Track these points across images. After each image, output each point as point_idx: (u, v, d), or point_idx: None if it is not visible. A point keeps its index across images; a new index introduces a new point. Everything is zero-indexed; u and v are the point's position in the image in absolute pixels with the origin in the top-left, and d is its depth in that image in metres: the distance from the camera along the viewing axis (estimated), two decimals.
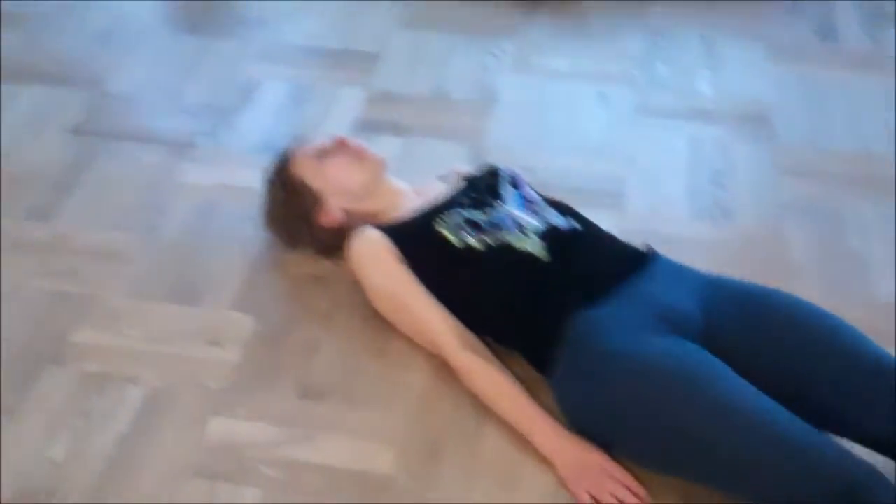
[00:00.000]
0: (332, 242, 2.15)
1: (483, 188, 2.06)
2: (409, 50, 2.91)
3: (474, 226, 1.95)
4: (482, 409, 1.85)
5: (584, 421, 1.78)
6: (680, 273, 1.92)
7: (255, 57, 2.89)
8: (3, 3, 3.12)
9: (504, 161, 2.23)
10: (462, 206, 2.00)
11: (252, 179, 2.30)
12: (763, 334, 1.78)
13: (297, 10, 3.10)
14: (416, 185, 2.20)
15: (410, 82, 2.77)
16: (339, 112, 2.67)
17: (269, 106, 2.70)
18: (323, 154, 2.14)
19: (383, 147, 2.39)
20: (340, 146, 2.14)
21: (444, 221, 1.96)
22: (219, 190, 2.40)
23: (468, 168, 2.23)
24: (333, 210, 2.12)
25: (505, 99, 2.71)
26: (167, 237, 2.28)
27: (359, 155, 2.14)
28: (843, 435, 1.69)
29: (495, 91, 2.74)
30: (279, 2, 3.13)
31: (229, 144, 2.55)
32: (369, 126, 2.60)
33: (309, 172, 2.13)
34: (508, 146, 2.53)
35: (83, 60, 2.88)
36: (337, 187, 2.12)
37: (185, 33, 3.00)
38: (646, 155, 2.51)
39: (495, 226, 1.94)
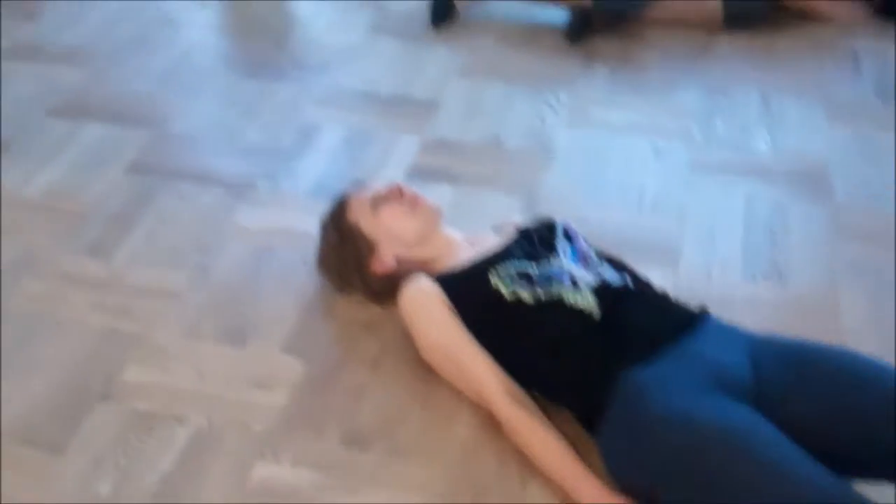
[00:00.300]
0: (384, 289, 2.16)
1: (538, 241, 2.05)
2: (466, 98, 2.93)
3: (527, 278, 1.94)
4: (527, 464, 1.84)
5: (630, 481, 1.75)
6: (731, 333, 1.90)
7: (314, 101, 2.92)
8: (71, 41, 3.20)
9: (558, 213, 2.23)
10: (516, 258, 2.00)
11: (307, 223, 2.32)
12: (814, 390, 1.75)
13: (356, 55, 3.14)
14: (469, 235, 2.21)
15: (466, 130, 2.79)
16: (395, 158, 2.68)
17: (326, 150, 2.72)
18: (379, 201, 2.15)
19: (437, 195, 2.40)
20: (396, 194, 2.16)
21: (497, 273, 1.96)
22: (274, 232, 2.42)
23: (523, 220, 2.23)
24: (386, 257, 2.13)
25: (560, 150, 2.71)
26: (220, 277, 2.31)
27: (414, 203, 2.15)
28: None
29: (551, 142, 2.74)
30: (339, 47, 3.17)
31: (286, 187, 2.58)
32: (424, 173, 2.61)
33: (364, 218, 2.14)
34: (563, 198, 2.53)
35: (146, 99, 2.94)
36: (391, 234, 2.13)
37: (247, 76, 3.05)
38: (701, 212, 2.50)
39: (548, 279, 1.94)
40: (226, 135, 2.79)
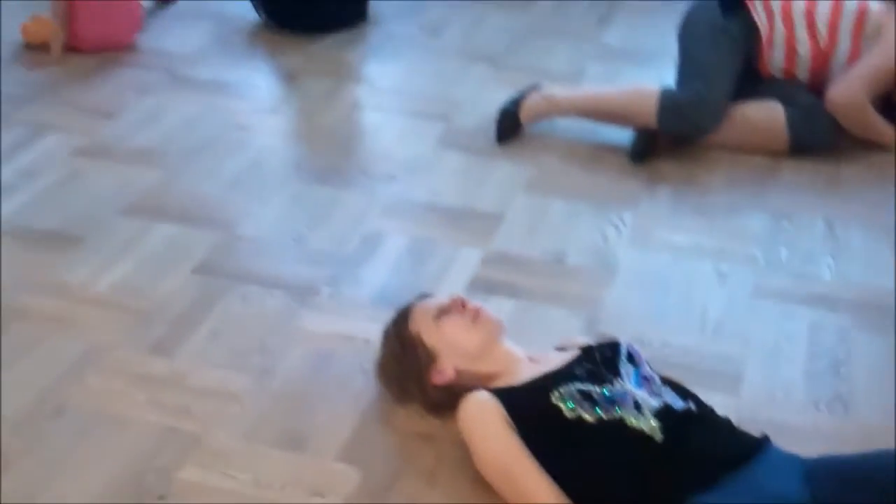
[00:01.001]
0: (443, 401, 2.16)
1: (601, 362, 2.05)
2: (530, 213, 2.95)
3: (589, 399, 1.94)
4: None
5: None
6: (791, 461, 1.87)
7: (379, 210, 2.97)
8: (146, 141, 3.29)
9: (619, 333, 2.23)
10: (578, 378, 1.99)
11: (368, 331, 2.34)
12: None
13: (422, 167, 3.20)
14: (531, 352, 2.21)
15: (529, 246, 2.80)
16: (457, 270, 2.70)
17: (389, 259, 2.76)
18: (441, 312, 2.17)
19: (497, 309, 2.41)
20: (459, 305, 2.18)
21: (559, 391, 1.95)
22: (335, 338, 2.44)
23: (587, 339, 2.23)
24: (446, 369, 2.13)
25: (623, 270, 2.72)
26: (281, 381, 2.32)
27: (476, 315, 2.17)
28: None
29: (614, 261, 2.75)
30: (406, 158, 3.23)
31: (348, 294, 2.60)
32: (485, 286, 2.63)
33: (426, 329, 2.16)
34: (624, 318, 2.52)
35: (216, 202, 3.01)
36: (451, 346, 2.14)
37: (315, 183, 3.11)
38: (764, 338, 2.47)
39: (611, 401, 1.93)
40: (292, 240, 2.83)
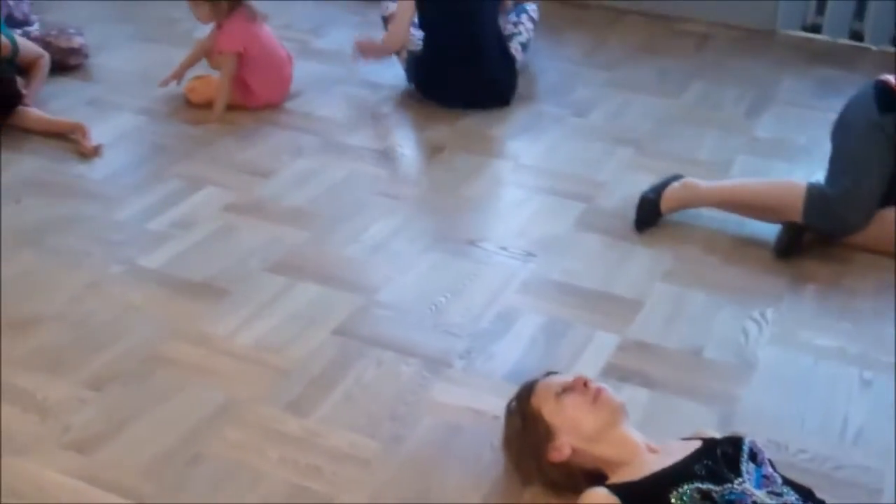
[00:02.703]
0: (559, 479, 2.16)
1: (722, 459, 2.01)
2: (669, 302, 2.93)
3: (708, 498, 1.90)
4: None
5: None
6: None
7: (517, 287, 2.99)
8: (297, 202, 3.40)
9: (753, 432, 2.18)
10: (698, 477, 1.95)
11: (498, 407, 2.35)
12: None
13: (561, 246, 3.21)
14: (651, 441, 2.17)
15: (666, 336, 2.78)
16: (591, 353, 2.70)
17: (523, 337, 2.76)
18: (564, 390, 2.18)
19: (629, 397, 2.40)
20: (581, 385, 2.18)
21: (678, 491, 1.92)
22: (465, 412, 2.46)
23: (712, 433, 2.19)
24: (563, 447, 2.13)
25: (762, 368, 2.66)
26: (409, 450, 2.34)
27: (597, 397, 2.16)
28: None
29: (753, 359, 2.70)
30: (545, 237, 3.25)
31: (482, 369, 2.62)
32: (619, 373, 2.61)
33: (547, 406, 2.17)
34: (760, 418, 2.47)
35: (359, 266, 3.08)
36: (570, 425, 2.14)
37: (455, 255, 3.15)
38: None
39: (730, 503, 1.89)
40: (429, 309, 2.87)
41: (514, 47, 4.24)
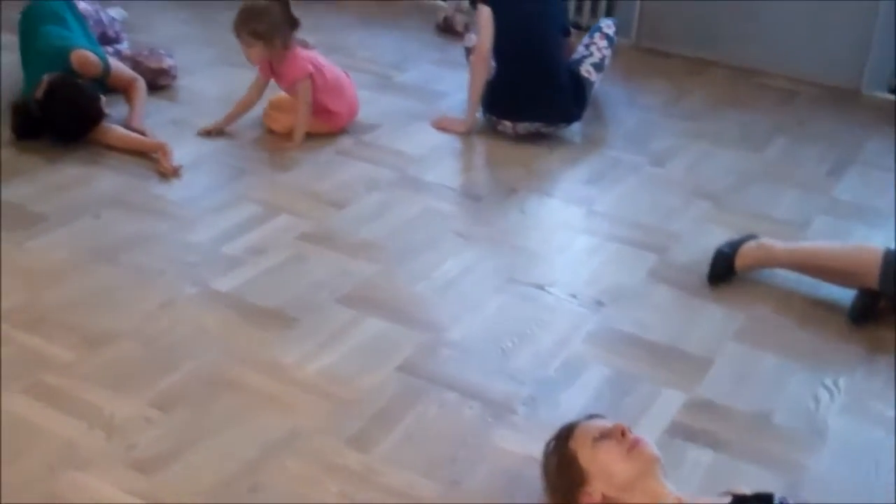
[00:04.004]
0: None
1: None
2: (739, 363, 2.88)
3: None
4: None
5: None
6: None
7: (584, 335, 2.96)
8: (369, 235, 3.42)
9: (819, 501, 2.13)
10: None
11: None
12: None
13: (631, 297, 3.18)
14: (682, 495, 2.15)
15: (734, 396, 2.73)
16: (657, 410, 2.66)
17: (588, 387, 2.74)
18: (601, 436, 2.18)
19: (694, 458, 2.37)
20: (618, 433, 2.17)
21: None
22: (526, 460, 2.43)
23: (744, 490, 2.16)
24: (594, 493, 2.13)
25: (832, 438, 2.60)
26: (467, 495, 2.33)
27: (633, 446, 2.16)
28: None
29: (823, 427, 2.64)
30: (615, 286, 3.22)
31: (545, 417, 2.60)
32: (685, 433, 2.57)
33: (583, 450, 2.17)
34: (827, 488, 2.41)
35: (427, 303, 3.08)
36: (603, 472, 2.14)
37: (525, 298, 3.14)
38: None
39: None
40: (495, 352, 2.86)
41: (586, 69, 4.32)
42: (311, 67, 4.03)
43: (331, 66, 4.16)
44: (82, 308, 2.93)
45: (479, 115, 4.26)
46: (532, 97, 4.16)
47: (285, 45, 3.97)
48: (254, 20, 3.92)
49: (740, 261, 3.27)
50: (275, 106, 4.16)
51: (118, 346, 2.77)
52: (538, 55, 4.20)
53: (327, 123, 4.13)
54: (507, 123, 4.18)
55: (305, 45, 4.13)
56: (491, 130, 4.25)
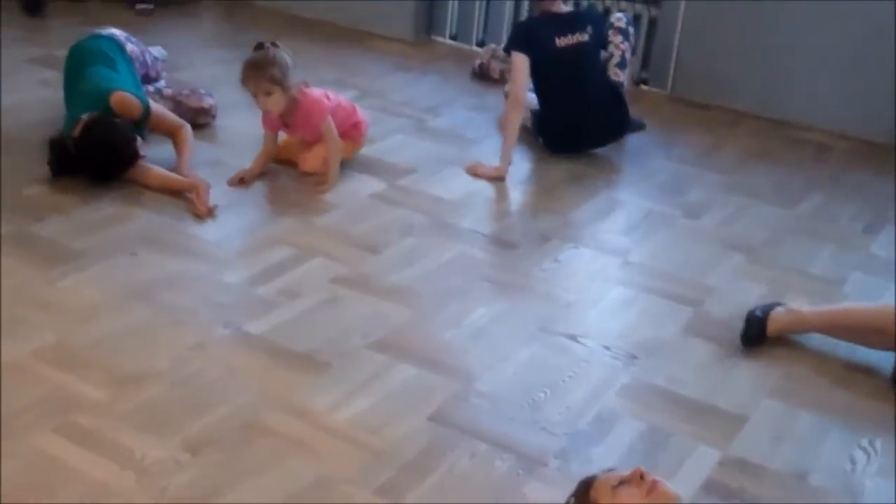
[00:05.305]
0: None
1: None
2: (775, 421, 2.84)
3: None
4: None
5: None
6: None
7: (618, 389, 2.94)
8: (402, 280, 3.41)
9: None
10: None
11: None
12: None
13: (665, 351, 3.15)
14: None
15: (770, 456, 2.69)
16: (691, 468, 2.63)
17: (623, 443, 2.71)
18: (621, 483, 2.16)
19: None
20: (638, 478, 2.15)
21: None
22: None
23: None
24: None
25: (868, 499, 2.56)
26: None
27: (651, 489, 2.13)
28: None
29: (860, 489, 2.60)
30: (650, 339, 3.20)
31: (577, 471, 2.55)
32: (720, 491, 2.54)
33: (603, 498, 2.15)
34: None
35: (459, 351, 3.06)
36: None
37: (557, 349, 3.12)
38: None
39: None
40: (527, 403, 2.84)
41: (614, 71, 4.53)
42: (326, 102, 4.10)
43: (324, 90, 4.23)
44: (115, 347, 2.93)
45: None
46: (586, 126, 4.44)
47: (292, 89, 4.02)
48: (269, 67, 3.95)
49: (772, 326, 3.22)
50: (302, 147, 4.18)
51: (149, 387, 2.77)
52: (583, 86, 4.42)
53: (356, 140, 4.25)
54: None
55: (306, 84, 4.15)
56: (525, 178, 4.25)
